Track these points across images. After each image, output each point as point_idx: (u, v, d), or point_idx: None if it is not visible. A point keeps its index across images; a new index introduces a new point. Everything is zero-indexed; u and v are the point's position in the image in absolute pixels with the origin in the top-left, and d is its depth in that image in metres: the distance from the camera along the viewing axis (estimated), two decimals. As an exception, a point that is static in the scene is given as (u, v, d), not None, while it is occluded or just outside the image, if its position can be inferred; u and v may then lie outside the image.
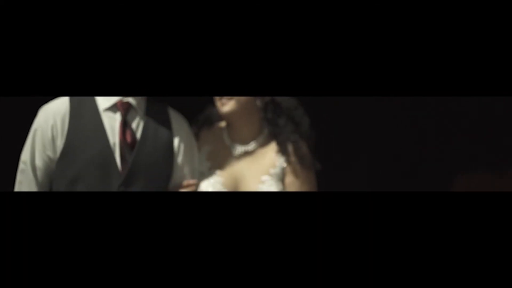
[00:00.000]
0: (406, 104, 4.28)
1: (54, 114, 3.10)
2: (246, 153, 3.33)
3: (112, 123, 3.11)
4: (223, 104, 3.28)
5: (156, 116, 3.19)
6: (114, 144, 3.08)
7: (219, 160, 3.33)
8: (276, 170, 3.28)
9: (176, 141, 3.21)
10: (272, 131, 3.36)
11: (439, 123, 4.38)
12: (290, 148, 3.32)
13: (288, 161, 3.30)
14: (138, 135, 3.14)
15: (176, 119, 3.26)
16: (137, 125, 3.15)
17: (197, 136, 3.36)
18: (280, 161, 3.30)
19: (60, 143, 3.08)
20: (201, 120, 3.43)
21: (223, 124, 3.40)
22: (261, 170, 3.29)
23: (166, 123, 3.20)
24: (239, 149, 3.32)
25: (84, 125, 3.09)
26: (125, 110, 3.14)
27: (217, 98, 3.31)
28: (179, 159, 3.20)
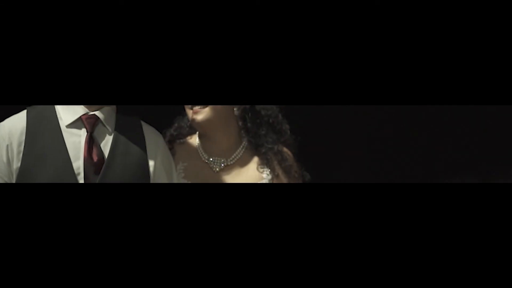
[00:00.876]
0: (390, 112, 4.29)
1: (9, 133, 2.86)
2: (227, 167, 3.15)
3: (75, 141, 2.87)
4: (196, 113, 3.10)
5: (127, 132, 2.93)
6: (78, 167, 2.84)
7: (198, 177, 3.13)
8: (264, 183, 3.14)
9: (151, 158, 2.97)
10: (253, 141, 3.21)
11: (423, 131, 4.42)
12: (274, 159, 3.19)
13: (273, 173, 3.17)
14: (106, 153, 2.87)
15: (151, 134, 3.01)
16: (105, 142, 2.90)
17: (171, 152, 3.11)
18: (265, 173, 3.16)
19: (16, 167, 2.85)
20: (168, 134, 3.24)
21: (196, 137, 3.23)
22: None
23: (139, 139, 2.95)
24: (219, 163, 3.14)
25: (42, 145, 2.85)
26: (91, 125, 2.88)
27: (187, 106, 3.14)
28: (157, 179, 2.96)
